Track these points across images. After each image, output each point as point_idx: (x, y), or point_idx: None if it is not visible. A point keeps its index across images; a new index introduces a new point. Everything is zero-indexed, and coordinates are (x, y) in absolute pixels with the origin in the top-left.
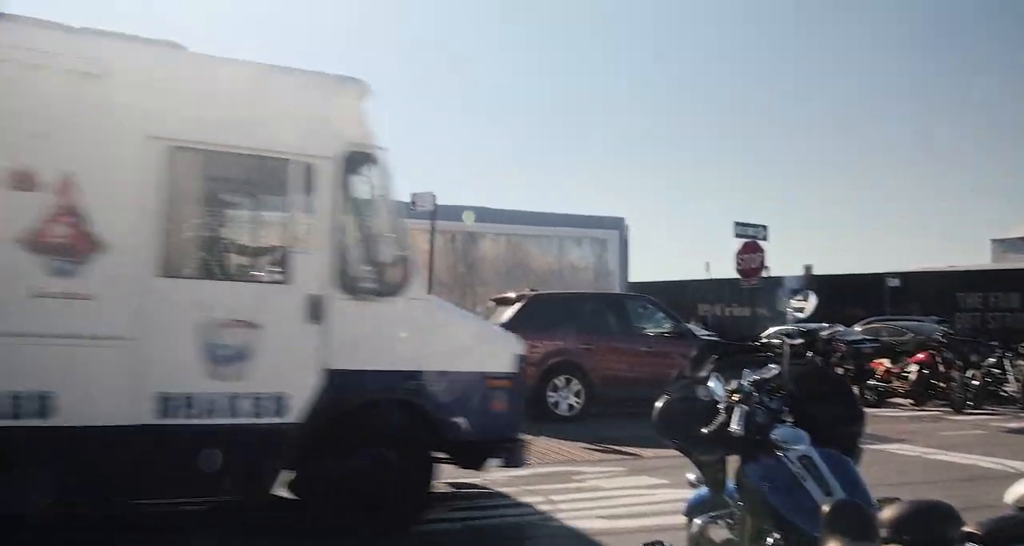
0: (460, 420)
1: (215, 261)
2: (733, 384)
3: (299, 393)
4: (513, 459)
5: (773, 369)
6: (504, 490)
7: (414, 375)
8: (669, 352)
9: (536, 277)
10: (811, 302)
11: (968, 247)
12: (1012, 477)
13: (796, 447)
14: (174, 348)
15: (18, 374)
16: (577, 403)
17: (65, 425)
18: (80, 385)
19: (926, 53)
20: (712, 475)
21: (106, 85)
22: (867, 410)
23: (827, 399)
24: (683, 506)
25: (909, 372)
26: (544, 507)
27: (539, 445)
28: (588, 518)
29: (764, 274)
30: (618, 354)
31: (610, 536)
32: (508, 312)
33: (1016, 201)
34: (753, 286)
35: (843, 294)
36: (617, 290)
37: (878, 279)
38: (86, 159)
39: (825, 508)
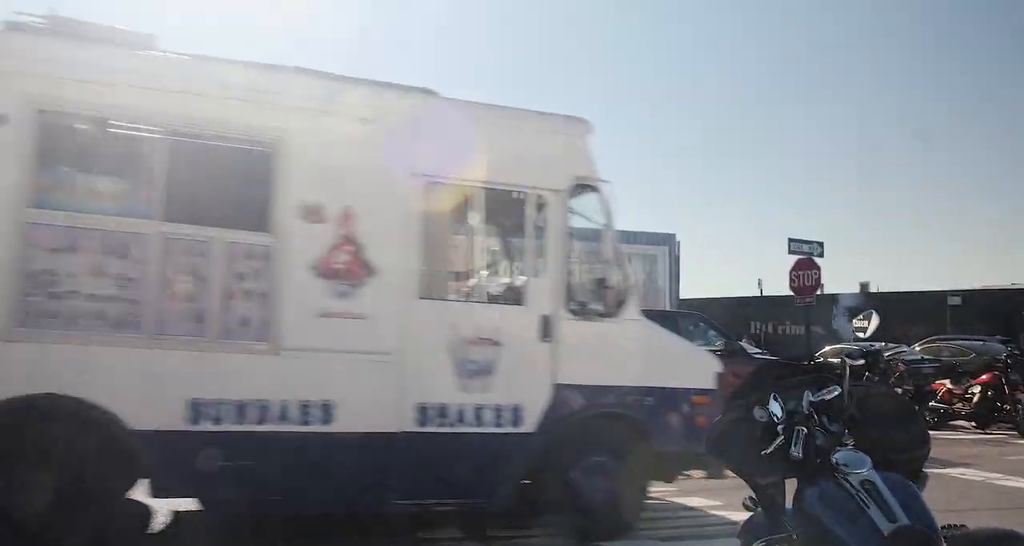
0: (669, 433)
1: (464, 284)
2: (792, 405)
3: (533, 405)
4: (714, 471)
5: (835, 390)
6: None
7: (631, 390)
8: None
9: None
10: (873, 322)
11: None
12: None
13: (858, 471)
14: (431, 363)
15: (306, 385)
16: None
17: (343, 431)
18: (355, 395)
19: (996, 64)
20: (769, 498)
21: (377, 128)
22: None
23: (890, 422)
24: (737, 529)
25: (972, 394)
26: None
27: None
28: (640, 539)
29: (819, 291)
30: None
31: None
32: None
33: None
34: (807, 304)
35: (902, 312)
36: (667, 307)
37: (939, 297)
38: (361, 194)
39: (887, 533)
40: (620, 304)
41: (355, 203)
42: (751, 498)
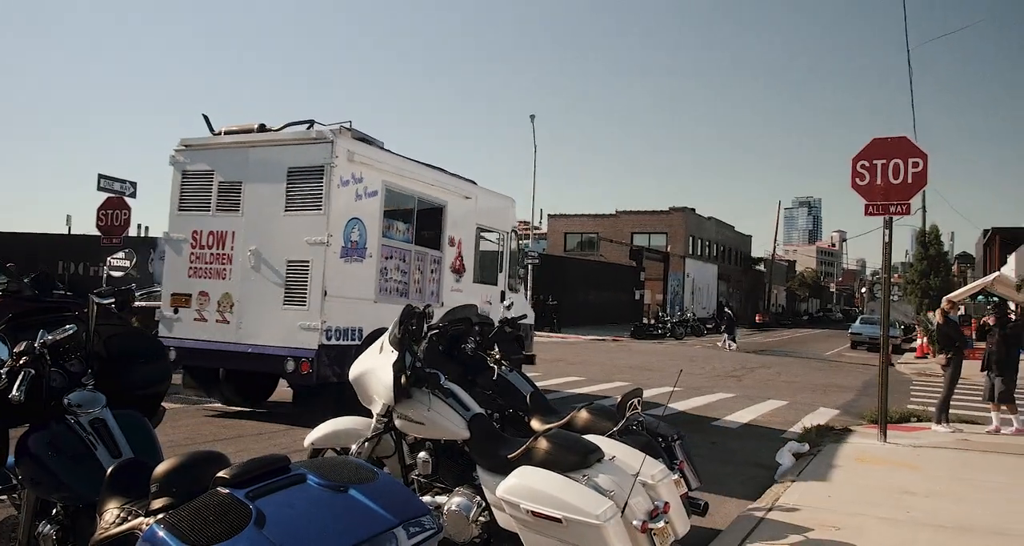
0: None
1: (483, 274)
2: (23, 346)
3: None
4: None
5: (70, 329)
6: None
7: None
8: None
9: None
10: (132, 261)
11: None
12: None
13: (90, 411)
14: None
15: None
16: None
17: None
18: None
19: None
20: None
21: (471, 203)
22: None
23: (138, 359)
24: None
25: None
26: None
27: None
28: None
29: (135, 233)
30: None
31: None
32: None
33: None
34: (115, 245)
35: None
36: None
37: None
38: (463, 233)
39: (109, 470)
40: (520, 285)
41: (461, 238)
42: None
